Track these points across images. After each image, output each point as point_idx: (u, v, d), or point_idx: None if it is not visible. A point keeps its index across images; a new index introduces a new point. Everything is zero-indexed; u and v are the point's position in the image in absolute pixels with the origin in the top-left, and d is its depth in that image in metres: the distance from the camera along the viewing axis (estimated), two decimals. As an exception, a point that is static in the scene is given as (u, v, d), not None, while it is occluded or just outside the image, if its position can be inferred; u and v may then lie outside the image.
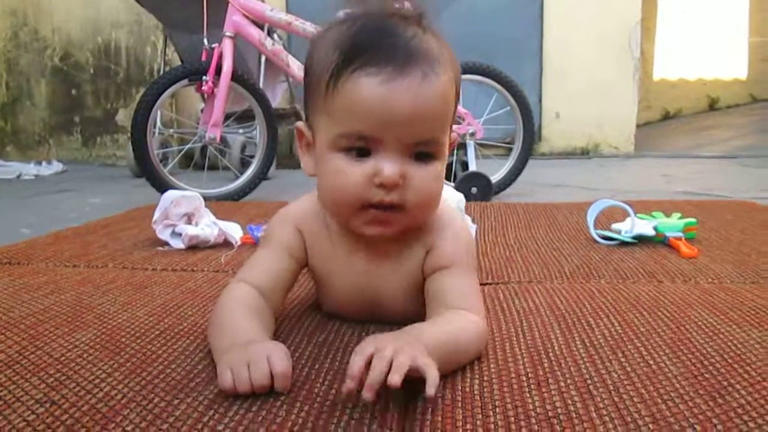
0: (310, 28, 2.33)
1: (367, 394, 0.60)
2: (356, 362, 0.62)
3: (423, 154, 0.74)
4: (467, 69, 2.34)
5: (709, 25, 6.42)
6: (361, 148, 0.73)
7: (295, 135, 0.84)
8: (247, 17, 2.33)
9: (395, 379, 0.60)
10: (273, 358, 0.67)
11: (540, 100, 4.08)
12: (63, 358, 0.77)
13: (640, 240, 1.40)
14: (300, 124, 0.82)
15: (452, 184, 2.34)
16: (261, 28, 2.44)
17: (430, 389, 0.61)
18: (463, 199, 1.34)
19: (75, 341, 0.83)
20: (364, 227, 0.77)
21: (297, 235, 0.86)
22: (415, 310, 0.85)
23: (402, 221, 0.77)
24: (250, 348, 0.69)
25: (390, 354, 0.62)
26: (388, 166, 0.72)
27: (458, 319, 0.76)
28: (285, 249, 0.85)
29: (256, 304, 0.80)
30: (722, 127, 5.25)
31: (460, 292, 0.80)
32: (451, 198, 1.25)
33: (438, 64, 0.73)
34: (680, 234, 1.39)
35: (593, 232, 1.45)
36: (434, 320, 0.77)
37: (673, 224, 1.43)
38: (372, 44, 0.72)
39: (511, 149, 2.46)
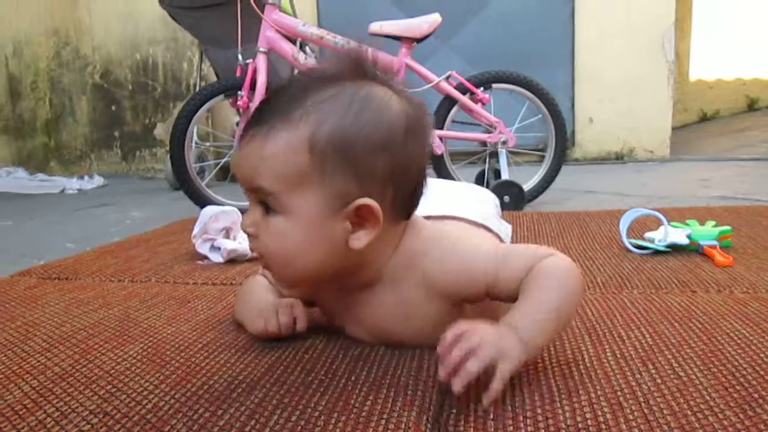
0: (341, 41, 2.37)
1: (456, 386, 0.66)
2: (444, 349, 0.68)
3: (267, 207, 0.76)
4: (498, 78, 2.36)
5: (746, 22, 6.29)
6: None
7: None
8: (280, 32, 2.39)
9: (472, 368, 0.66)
10: (295, 307, 0.89)
11: (573, 105, 4.05)
12: (113, 371, 0.82)
13: (674, 249, 1.39)
14: None
15: (484, 192, 2.35)
16: (293, 42, 2.49)
17: (497, 384, 0.67)
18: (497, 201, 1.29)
19: (124, 355, 0.87)
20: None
21: None
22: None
23: (281, 275, 0.80)
24: (275, 301, 0.90)
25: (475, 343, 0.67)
26: (245, 216, 0.79)
27: (542, 280, 0.74)
28: None
29: (271, 287, 0.96)
30: (762, 128, 5.14)
31: (521, 255, 0.77)
32: (487, 199, 1.22)
33: (292, 122, 0.72)
34: (715, 242, 1.38)
35: (626, 241, 1.45)
36: (522, 300, 0.75)
37: (707, 232, 1.41)
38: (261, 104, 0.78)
39: (543, 156, 2.46)
